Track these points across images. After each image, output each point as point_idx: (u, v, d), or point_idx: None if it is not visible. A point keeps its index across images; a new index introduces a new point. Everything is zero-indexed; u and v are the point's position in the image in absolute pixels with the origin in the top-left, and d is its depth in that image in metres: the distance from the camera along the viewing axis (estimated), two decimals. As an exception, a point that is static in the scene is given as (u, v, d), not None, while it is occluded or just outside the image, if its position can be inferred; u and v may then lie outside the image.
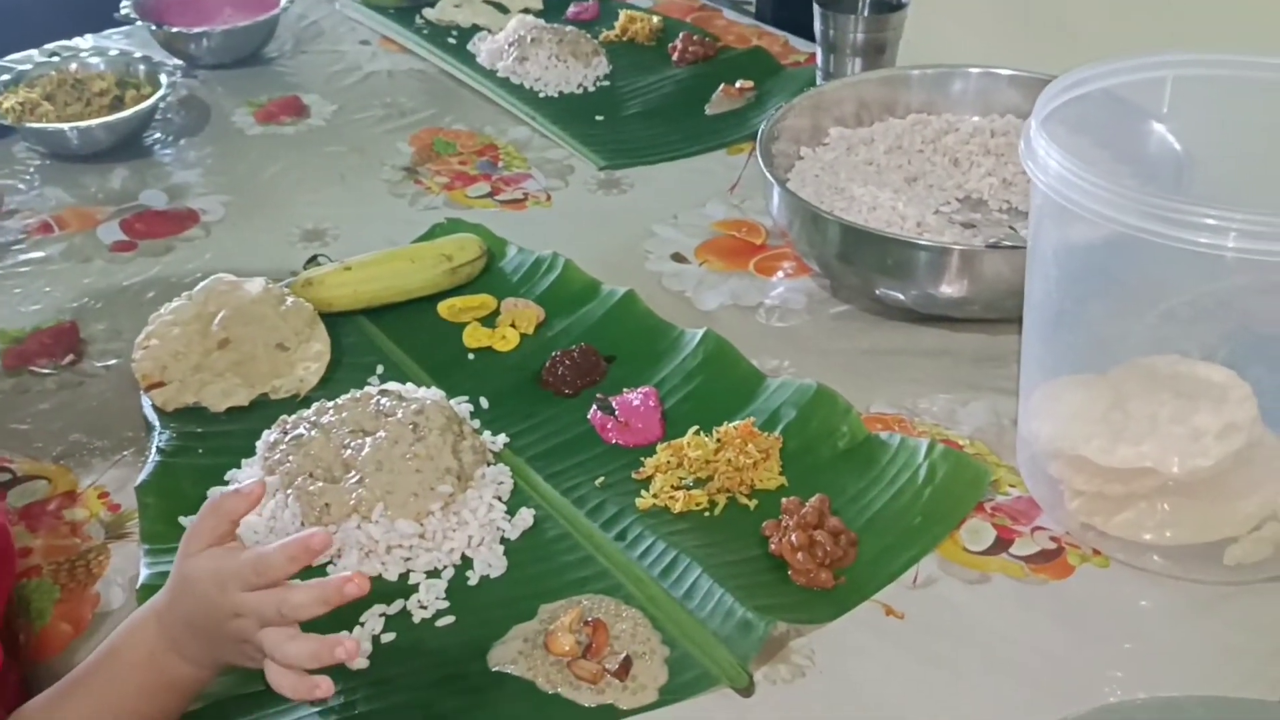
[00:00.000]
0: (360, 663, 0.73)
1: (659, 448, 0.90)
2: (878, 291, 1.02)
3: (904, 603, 0.78)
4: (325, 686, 0.64)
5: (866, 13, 1.31)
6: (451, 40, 1.56)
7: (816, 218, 1.02)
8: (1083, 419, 0.79)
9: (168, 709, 0.69)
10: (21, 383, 1.00)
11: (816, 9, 1.31)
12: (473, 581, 0.80)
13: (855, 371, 0.98)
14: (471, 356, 1.02)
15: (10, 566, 0.77)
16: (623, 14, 1.58)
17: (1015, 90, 1.18)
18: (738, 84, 1.42)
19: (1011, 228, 1.09)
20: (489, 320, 1.05)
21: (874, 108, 1.23)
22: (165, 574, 0.70)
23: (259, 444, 0.89)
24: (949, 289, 0.97)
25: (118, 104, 1.33)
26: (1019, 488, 0.86)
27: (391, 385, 0.92)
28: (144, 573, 0.81)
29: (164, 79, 1.35)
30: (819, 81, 1.35)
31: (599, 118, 1.39)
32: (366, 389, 0.91)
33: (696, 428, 0.90)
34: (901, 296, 1.00)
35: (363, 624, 0.77)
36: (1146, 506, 0.78)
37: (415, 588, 0.79)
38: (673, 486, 0.86)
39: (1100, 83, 0.83)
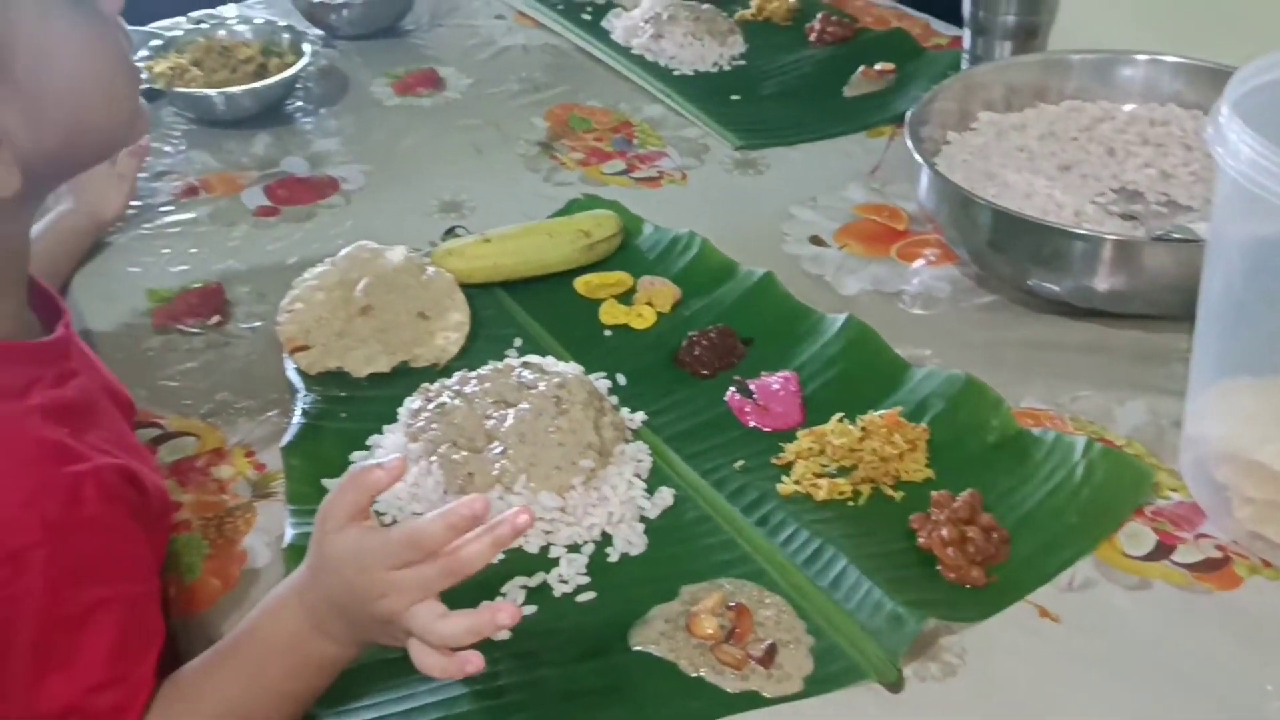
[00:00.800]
0: (503, 634, 0.73)
1: (800, 433, 0.88)
2: (1029, 282, 0.98)
3: (1059, 605, 0.75)
4: (476, 661, 0.63)
5: (1019, -6, 1.27)
6: (586, 16, 1.55)
7: (968, 203, 0.98)
8: (1258, 422, 0.75)
9: (314, 686, 0.69)
10: (170, 341, 1.02)
11: (966, -9, 1.27)
12: (613, 558, 0.79)
13: (1003, 364, 0.94)
14: (608, 333, 1.01)
15: (168, 521, 0.78)
16: (758, -7, 1.55)
17: (1180, 79, 1.13)
18: (877, 66, 1.39)
19: (1178, 223, 1.04)
20: (625, 298, 1.04)
21: (1024, 92, 1.19)
22: (310, 535, 0.70)
23: (401, 411, 0.89)
24: (1109, 282, 0.93)
25: (262, 71, 1.35)
26: (1180, 492, 0.82)
27: (533, 358, 0.91)
28: (289, 533, 0.81)
29: (306, 48, 1.37)
30: (964, 65, 1.31)
31: (735, 97, 1.37)
32: (508, 361, 0.91)
33: (841, 415, 0.88)
34: (1056, 288, 0.96)
35: (504, 595, 0.77)
36: (1325, 518, 0.74)
37: (555, 562, 0.79)
38: (815, 474, 0.85)
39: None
